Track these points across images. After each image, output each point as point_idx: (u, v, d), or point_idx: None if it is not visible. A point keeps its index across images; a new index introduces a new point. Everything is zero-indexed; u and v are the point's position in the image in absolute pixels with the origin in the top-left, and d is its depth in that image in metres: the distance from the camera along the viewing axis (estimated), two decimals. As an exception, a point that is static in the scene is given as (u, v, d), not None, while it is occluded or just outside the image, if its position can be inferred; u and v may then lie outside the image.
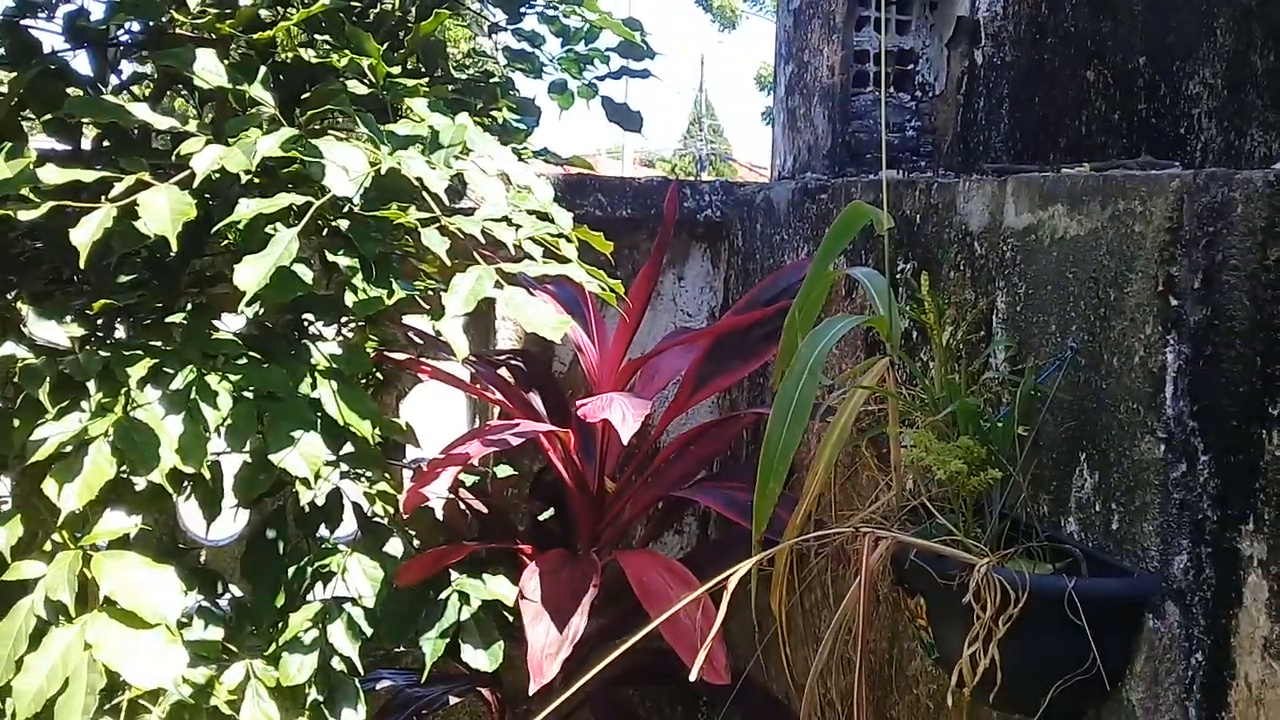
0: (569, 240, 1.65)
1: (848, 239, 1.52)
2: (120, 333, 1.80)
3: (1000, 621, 1.21)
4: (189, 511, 2.50)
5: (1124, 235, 1.33)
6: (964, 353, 1.63)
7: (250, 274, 1.38)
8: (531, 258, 1.50)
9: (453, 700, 2.17)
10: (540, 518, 2.33)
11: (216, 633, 1.70)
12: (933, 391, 1.49)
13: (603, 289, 1.54)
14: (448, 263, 1.51)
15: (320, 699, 1.74)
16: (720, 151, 30.66)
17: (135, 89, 2.06)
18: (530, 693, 1.64)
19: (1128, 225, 1.33)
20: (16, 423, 1.57)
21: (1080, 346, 1.40)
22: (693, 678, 1.66)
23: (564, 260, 1.58)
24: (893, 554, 1.35)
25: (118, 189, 1.41)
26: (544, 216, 1.68)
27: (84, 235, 1.35)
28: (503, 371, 2.40)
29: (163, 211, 1.37)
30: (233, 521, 1.99)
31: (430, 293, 2.02)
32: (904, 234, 1.96)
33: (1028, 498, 1.42)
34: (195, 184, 1.44)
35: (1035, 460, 1.46)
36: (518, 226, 1.53)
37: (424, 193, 1.56)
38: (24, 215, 1.39)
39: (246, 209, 1.45)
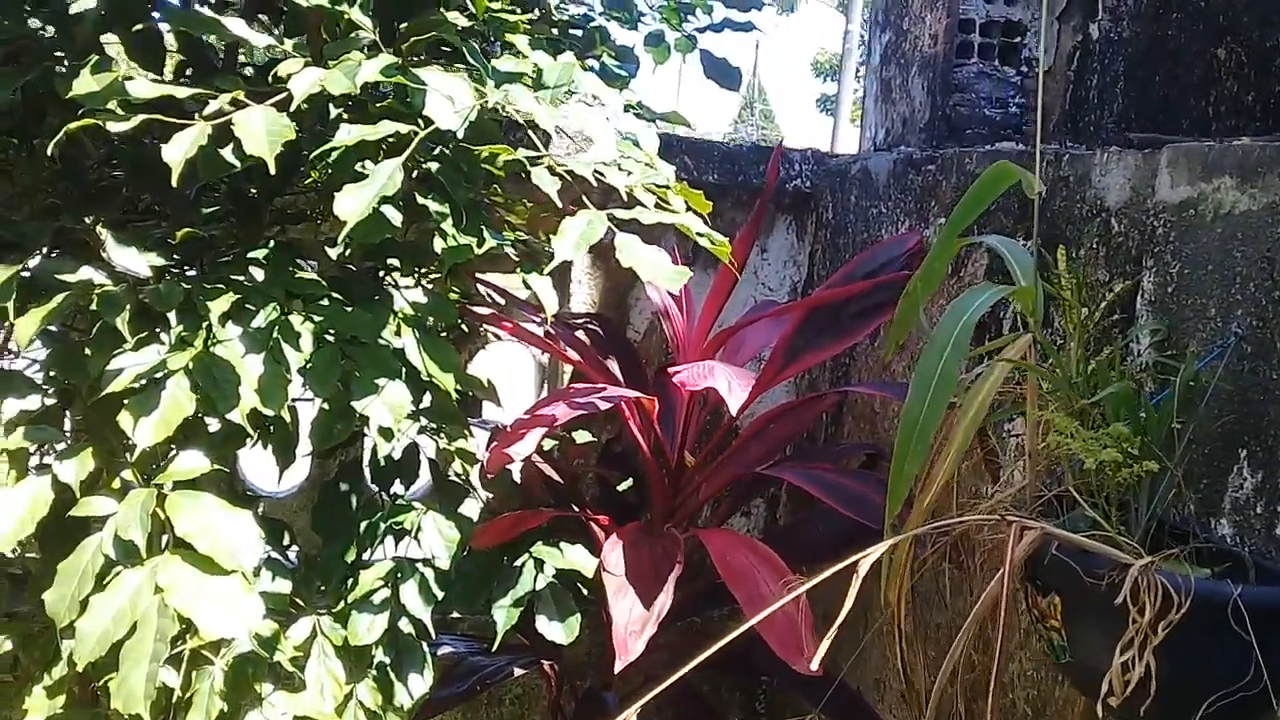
0: (676, 192, 1.54)
1: (989, 202, 1.40)
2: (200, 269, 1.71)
3: (1159, 627, 1.10)
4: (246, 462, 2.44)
5: (1309, 211, 1.21)
6: (1099, 336, 1.51)
7: (352, 203, 1.29)
8: (642, 204, 1.39)
9: (517, 672, 2.08)
10: (619, 488, 2.24)
11: (284, 585, 1.62)
12: (1070, 376, 1.37)
13: (713, 244, 1.43)
14: (559, 204, 1.40)
15: (387, 661, 1.66)
16: (771, 138, 30.41)
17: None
18: (615, 671, 1.55)
19: (1314, 200, 1.21)
20: (90, 353, 1.48)
21: (1246, 333, 1.28)
22: (802, 669, 1.57)
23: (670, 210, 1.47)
24: (1031, 552, 1.24)
25: (212, 106, 1.32)
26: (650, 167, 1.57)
27: (176, 153, 1.26)
28: (580, 335, 2.31)
29: (260, 132, 1.28)
30: (281, 479, 1.89)
31: (519, 246, 1.93)
32: (1026, 207, 1.84)
33: (1177, 495, 1.30)
34: (293, 106, 1.34)
35: (1187, 457, 1.34)
36: (628, 173, 1.42)
37: (531, 132, 1.46)
38: (114, 127, 1.30)
39: (348, 135, 1.35)
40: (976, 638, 1.29)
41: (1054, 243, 1.68)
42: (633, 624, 1.62)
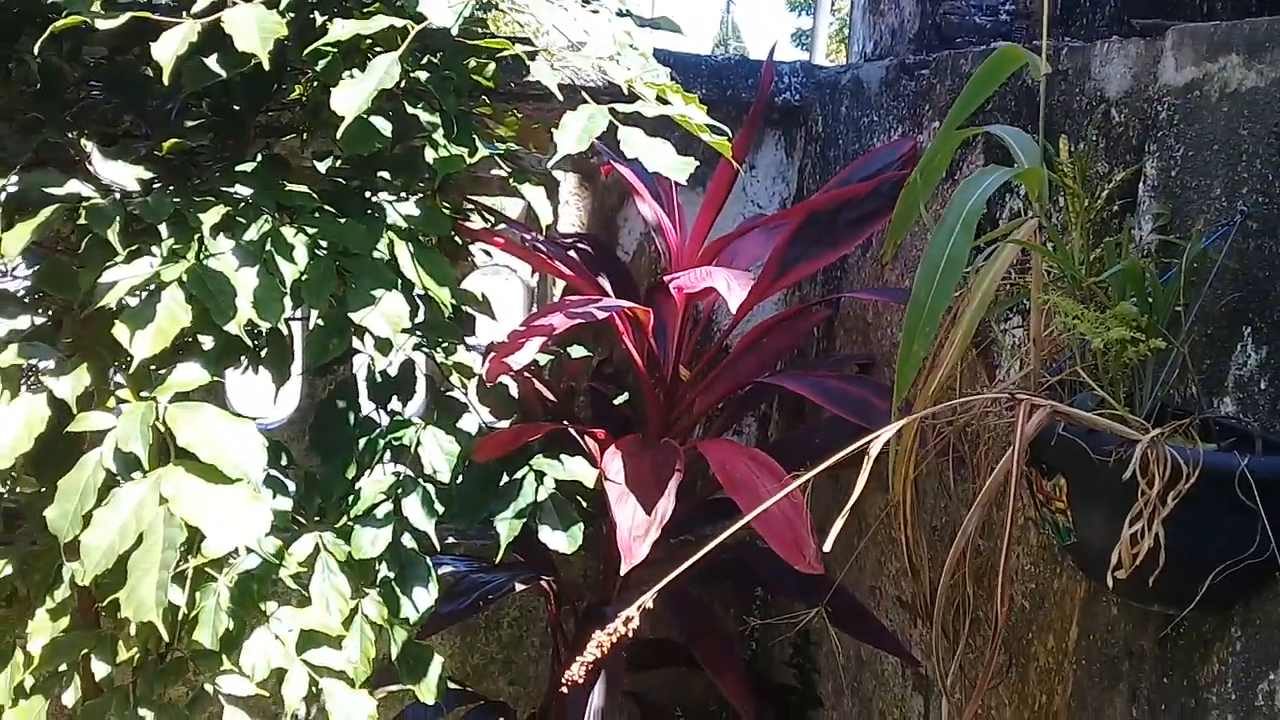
0: (673, 92, 1.51)
1: (993, 86, 1.38)
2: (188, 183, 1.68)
3: (1169, 499, 1.10)
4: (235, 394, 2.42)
5: (1317, 83, 1.20)
6: (1100, 228, 1.50)
7: (350, 97, 1.26)
8: (643, 99, 1.36)
9: (518, 588, 2.09)
10: (614, 403, 2.23)
11: (285, 503, 1.61)
12: (1073, 263, 1.36)
13: (715, 139, 1.41)
14: (559, 97, 1.38)
15: (391, 575, 1.65)
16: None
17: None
18: (622, 573, 1.55)
19: (1322, 72, 1.19)
20: (80, 267, 1.45)
21: (1252, 210, 1.28)
22: (802, 568, 1.58)
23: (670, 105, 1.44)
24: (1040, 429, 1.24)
25: (200, 4, 1.28)
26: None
27: (166, 50, 1.22)
28: (571, 254, 2.28)
29: (252, 28, 1.24)
30: (276, 399, 1.87)
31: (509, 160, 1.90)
32: (1023, 105, 1.83)
33: (1181, 375, 1.31)
34: (282, 4, 1.31)
35: (1191, 336, 1.34)
36: (627, 68, 1.40)
37: (528, 32, 1.43)
38: (102, 24, 1.26)
39: (342, 29, 1.32)
40: (982, 525, 1.29)
41: (1055, 136, 1.66)
42: (636, 529, 1.62)
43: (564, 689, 1.96)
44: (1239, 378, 1.29)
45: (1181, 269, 1.26)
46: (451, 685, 2.30)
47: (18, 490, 1.64)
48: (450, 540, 2.47)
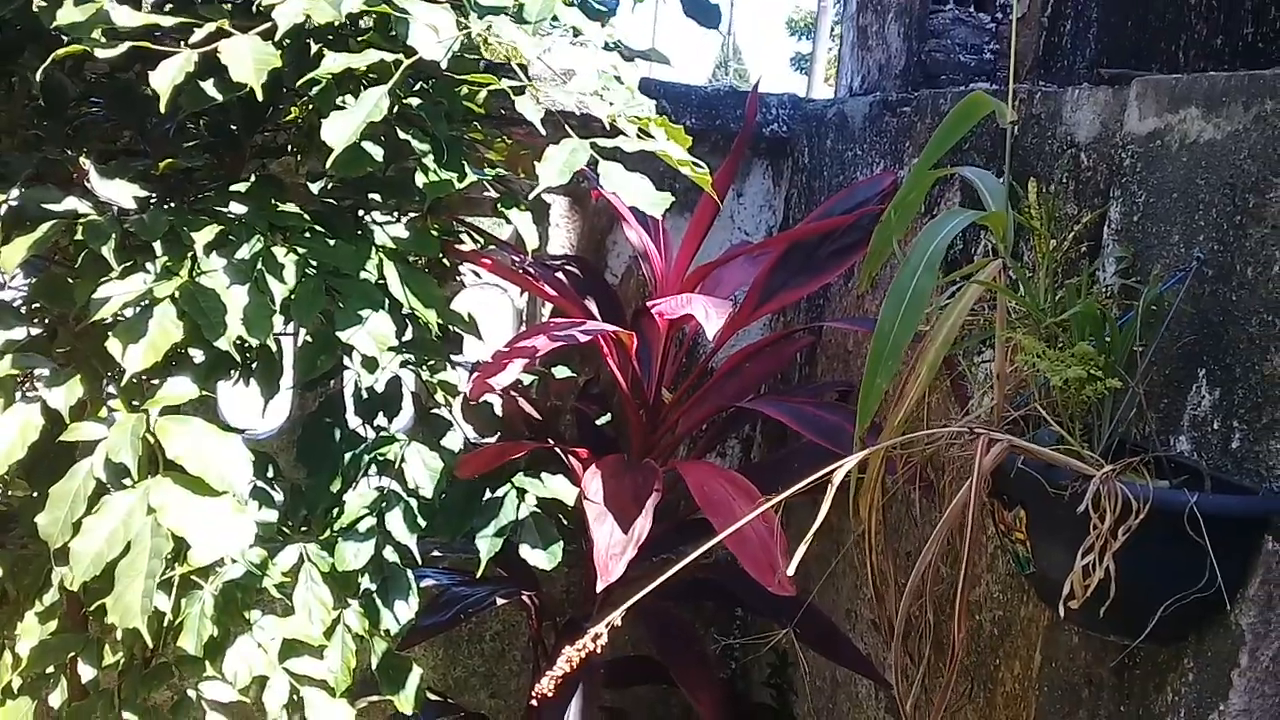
0: (658, 124, 1.56)
1: (963, 131, 1.44)
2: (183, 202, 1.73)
3: (1119, 533, 1.15)
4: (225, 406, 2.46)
5: (1270, 137, 1.25)
6: (1066, 268, 1.55)
7: (339, 128, 1.31)
8: (624, 133, 1.41)
9: (499, 601, 2.13)
10: (597, 424, 2.28)
11: (271, 515, 1.65)
12: (1038, 301, 1.41)
13: (695, 171, 1.46)
14: (542, 132, 1.43)
15: (373, 588, 1.69)
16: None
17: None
18: (598, 590, 1.59)
19: (1275, 126, 1.25)
20: (76, 281, 1.50)
21: (1208, 256, 1.33)
22: (774, 588, 1.62)
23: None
24: (999, 462, 1.28)
25: (198, 35, 1.33)
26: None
27: (164, 79, 1.27)
28: (560, 276, 2.33)
29: (246, 59, 1.29)
30: (265, 412, 1.91)
31: (498, 185, 1.95)
32: (998, 146, 1.88)
33: (1139, 414, 1.35)
34: (278, 36, 1.36)
35: (1148, 377, 1.39)
36: (610, 103, 1.45)
37: (513, 63, 1.48)
38: (101, 53, 1.30)
39: (334, 62, 1.37)
40: (945, 552, 1.34)
41: (1026, 178, 1.72)
42: (613, 547, 1.66)
43: (536, 703, 2.00)
44: (1194, 417, 1.34)
45: (1138, 312, 1.31)
46: (432, 697, 2.34)
47: (10, 494, 1.68)
48: (435, 554, 2.51)
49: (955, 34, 2.64)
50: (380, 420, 1.83)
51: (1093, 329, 1.30)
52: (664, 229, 2.26)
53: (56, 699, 1.46)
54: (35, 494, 1.47)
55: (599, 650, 1.11)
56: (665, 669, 2.14)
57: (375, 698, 2.03)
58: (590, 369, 2.62)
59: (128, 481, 1.37)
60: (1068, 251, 1.53)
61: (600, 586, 1.60)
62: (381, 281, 1.67)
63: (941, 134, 1.45)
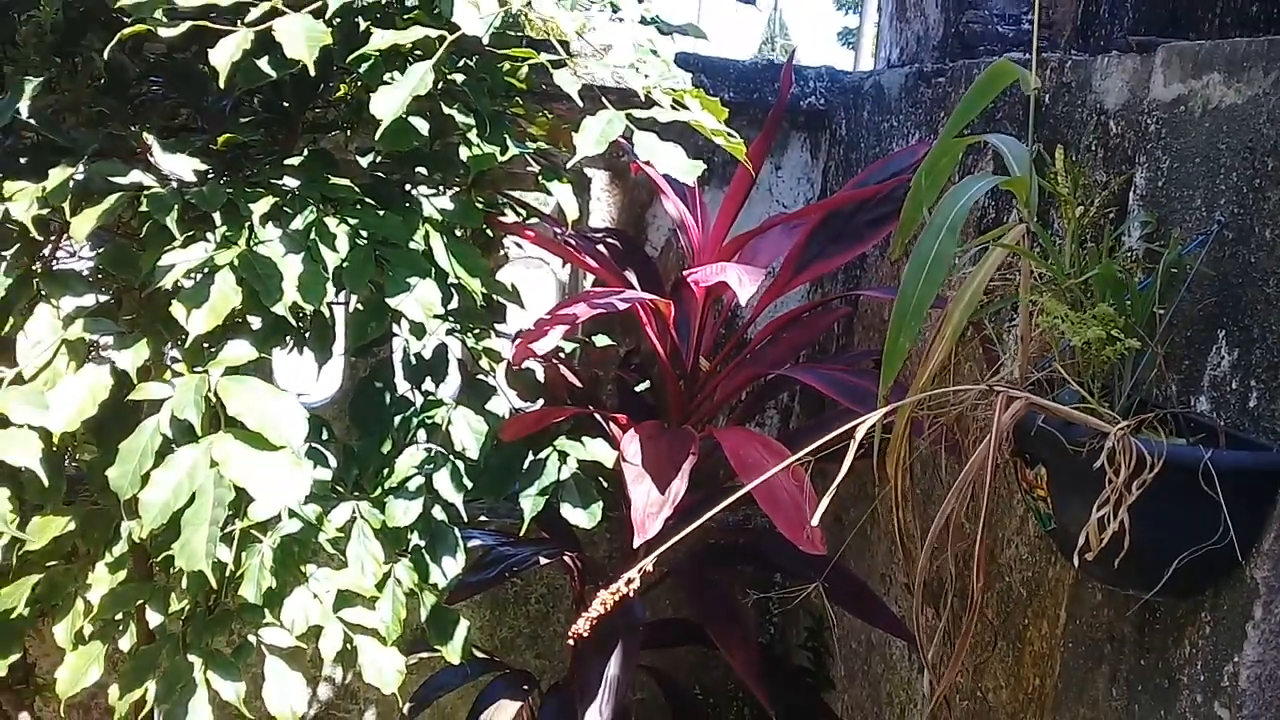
0: (692, 96, 1.61)
1: (988, 99, 1.47)
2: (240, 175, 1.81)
3: (1133, 487, 1.19)
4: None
5: (1289, 102, 1.28)
6: (1094, 234, 1.58)
7: (388, 102, 1.37)
8: (659, 104, 1.47)
9: (542, 561, 2.21)
10: (637, 391, 2.34)
11: (325, 474, 1.73)
12: (1063, 266, 1.45)
13: (728, 140, 1.51)
14: (581, 106, 1.48)
15: (422, 544, 1.77)
16: (792, 72, 30.01)
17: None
18: (635, 547, 1.65)
19: (1294, 91, 1.27)
20: (141, 251, 1.58)
21: (1229, 220, 1.36)
22: (805, 546, 1.68)
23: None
24: (1018, 420, 1.33)
25: (254, 14, 1.40)
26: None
27: (223, 56, 1.34)
28: (600, 248, 2.39)
29: (299, 36, 1.36)
30: (319, 376, 2.00)
31: (540, 158, 2.01)
32: (1029, 114, 1.91)
33: (1160, 375, 1.39)
34: (327, 15, 1.43)
35: (1169, 338, 1.42)
36: (645, 75, 1.50)
37: (553, 39, 1.53)
38: (164, 32, 1.38)
39: (381, 39, 1.43)
40: (968, 508, 1.38)
41: (1056, 146, 1.75)
42: (650, 507, 1.72)
43: (576, 647, 2.08)
44: (1213, 378, 1.37)
45: (1158, 275, 1.34)
46: (480, 654, 2.43)
47: (79, 457, 1.78)
48: (482, 518, 2.60)
49: (993, 4, 2.65)
50: (428, 385, 1.91)
51: (1113, 291, 1.33)
52: (702, 201, 2.31)
53: (126, 643, 1.55)
54: (103, 454, 1.55)
55: (632, 594, 1.17)
56: (704, 631, 2.21)
57: (425, 654, 2.12)
58: (631, 340, 2.68)
59: (191, 439, 1.45)
60: (1095, 218, 1.56)
61: (637, 543, 1.66)
62: (428, 251, 1.75)
63: (967, 102, 1.49)
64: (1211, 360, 1.38)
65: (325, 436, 1.85)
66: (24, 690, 2.02)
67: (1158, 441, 1.22)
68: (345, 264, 1.62)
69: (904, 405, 1.32)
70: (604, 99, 1.46)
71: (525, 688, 2.32)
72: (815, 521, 1.23)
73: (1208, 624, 1.34)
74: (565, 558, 2.29)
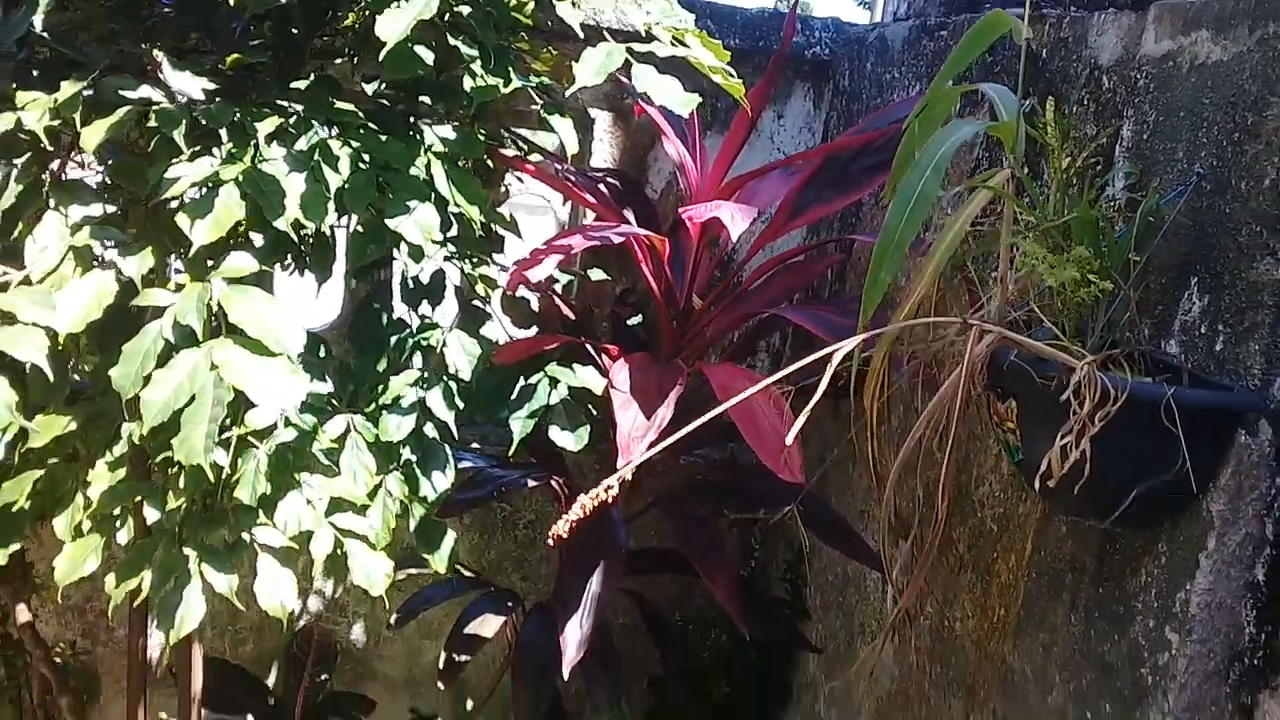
0: (693, 35, 1.65)
1: (981, 48, 1.50)
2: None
3: (1096, 419, 1.24)
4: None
5: (1270, 58, 1.31)
6: (1080, 184, 1.62)
7: (393, 24, 1.41)
8: (659, 40, 1.50)
9: (530, 484, 2.27)
10: (630, 324, 2.39)
11: (322, 387, 1.78)
12: (1047, 214, 1.49)
13: (726, 79, 1.54)
14: (580, 36, 1.52)
15: (414, 459, 1.83)
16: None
17: None
18: (617, 470, 1.70)
19: (1275, 48, 1.31)
20: (149, 163, 1.62)
21: (1207, 171, 1.40)
22: (781, 475, 1.73)
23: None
24: (992, 354, 1.38)
25: (266, -67, 1.43)
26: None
27: (234, -24, 1.38)
28: (600, 187, 2.43)
29: (309, -44, 1.39)
30: (319, 303, 2.04)
31: (542, 92, 2.04)
32: (1026, 68, 1.94)
33: (1131, 320, 1.44)
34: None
35: (1144, 284, 1.47)
36: (647, 11, 1.53)
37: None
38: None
39: (390, -40, 1.46)
40: (939, 438, 1.44)
41: (1046, 99, 1.78)
42: (635, 431, 1.78)
43: (560, 566, 2.14)
44: (1184, 322, 1.43)
45: (1135, 221, 1.39)
46: (467, 573, 2.50)
47: (82, 368, 1.83)
48: (474, 446, 2.65)
49: (1001, -39, 2.67)
50: (425, 310, 1.95)
51: (1091, 236, 1.38)
52: (702, 145, 2.34)
53: (123, 537, 1.61)
54: (106, 357, 1.60)
55: (610, 501, 1.22)
56: (688, 559, 2.27)
57: (414, 570, 2.19)
58: (627, 280, 2.72)
59: (193, 344, 1.50)
60: (1081, 168, 1.60)
61: (620, 465, 1.71)
62: (429, 179, 1.78)
63: (961, 49, 1.52)
64: (1183, 306, 1.42)
65: (324, 354, 1.90)
66: (21, 585, 2.09)
67: (1122, 377, 1.28)
68: (347, 185, 1.66)
69: (883, 335, 1.37)
70: (606, 36, 1.49)
71: (510, 605, 2.40)
72: (790, 441, 1.28)
73: (1163, 554, 1.40)
74: (553, 482, 2.35)
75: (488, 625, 2.35)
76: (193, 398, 1.43)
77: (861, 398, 1.54)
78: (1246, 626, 1.31)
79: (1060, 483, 1.28)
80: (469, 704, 3.04)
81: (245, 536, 1.60)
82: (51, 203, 1.65)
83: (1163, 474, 1.28)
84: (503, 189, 2.59)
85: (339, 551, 1.67)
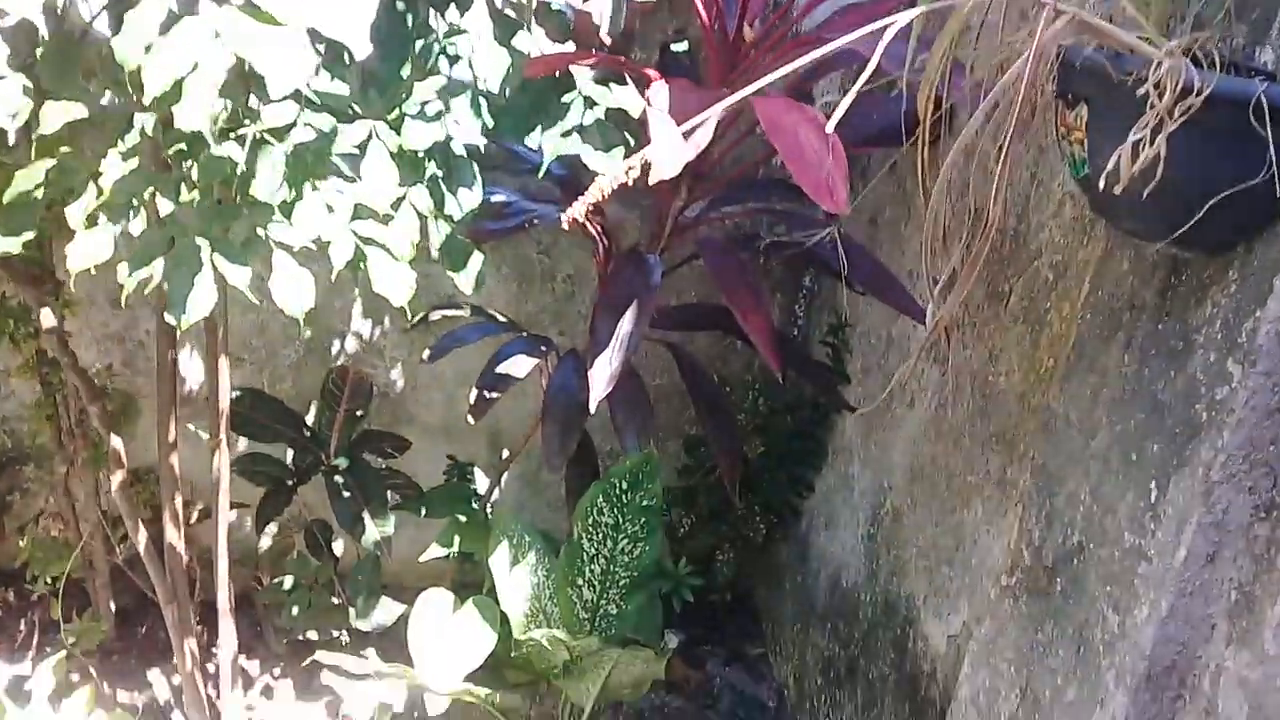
0: None
1: None
2: None
3: (1175, 112, 1.11)
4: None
5: None
6: None
7: None
8: None
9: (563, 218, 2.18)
10: (674, 50, 2.25)
11: (342, 88, 1.68)
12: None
13: None
14: None
15: (440, 174, 1.74)
16: None
17: None
18: (649, 182, 1.61)
19: None
20: None
21: None
22: (826, 206, 1.63)
23: None
24: (1062, 57, 1.24)
25: None
26: None
27: None
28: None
29: None
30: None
31: None
32: None
33: (1225, 18, 1.28)
34: None
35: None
36: None
37: None
38: None
39: None
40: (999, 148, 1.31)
41: None
42: (669, 147, 1.66)
43: (593, 310, 2.08)
44: (1285, 25, 1.27)
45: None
46: (501, 318, 2.46)
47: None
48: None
49: None
50: (452, 14, 1.82)
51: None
52: None
53: (136, 228, 1.55)
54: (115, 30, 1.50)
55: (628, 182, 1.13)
56: (729, 316, 2.19)
57: (448, 311, 2.14)
58: (680, 20, 2.56)
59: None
60: None
61: (652, 178, 1.61)
62: None
63: None
64: (1287, 4, 1.26)
65: (346, 61, 1.79)
66: (46, 291, 2.09)
67: (1210, 72, 1.14)
68: None
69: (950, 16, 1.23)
70: None
71: (544, 349, 2.36)
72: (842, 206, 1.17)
73: (1234, 282, 1.29)
74: (591, 228, 2.27)
75: (519, 366, 2.32)
76: (195, 66, 1.34)
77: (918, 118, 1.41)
78: (1315, 357, 1.21)
79: (1127, 192, 1.16)
80: (504, 454, 3.07)
81: (260, 233, 1.54)
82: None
83: (1244, 183, 1.16)
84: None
85: (359, 257, 1.61)
